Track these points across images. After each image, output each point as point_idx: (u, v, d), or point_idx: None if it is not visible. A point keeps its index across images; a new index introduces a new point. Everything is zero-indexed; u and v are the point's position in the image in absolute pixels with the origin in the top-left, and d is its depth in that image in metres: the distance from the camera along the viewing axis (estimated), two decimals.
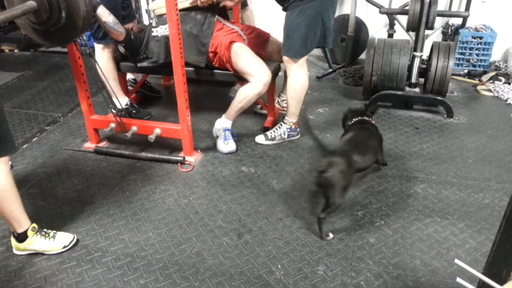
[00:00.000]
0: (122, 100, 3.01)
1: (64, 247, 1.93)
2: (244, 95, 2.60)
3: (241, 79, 2.67)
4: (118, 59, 2.88)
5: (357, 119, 2.35)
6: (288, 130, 2.76)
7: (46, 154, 2.70)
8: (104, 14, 2.48)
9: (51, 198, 2.30)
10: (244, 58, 2.56)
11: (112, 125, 2.65)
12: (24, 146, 2.78)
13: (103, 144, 2.78)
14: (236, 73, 2.64)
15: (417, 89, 3.13)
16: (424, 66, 3.27)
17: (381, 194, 2.28)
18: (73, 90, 2.69)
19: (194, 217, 2.13)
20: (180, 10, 2.70)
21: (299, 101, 2.66)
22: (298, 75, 2.55)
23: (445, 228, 2.03)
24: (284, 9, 2.45)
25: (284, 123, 2.76)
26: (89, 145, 2.76)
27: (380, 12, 3.21)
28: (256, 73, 2.54)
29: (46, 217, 2.15)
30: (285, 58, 2.52)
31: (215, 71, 2.75)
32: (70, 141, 2.84)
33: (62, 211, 2.20)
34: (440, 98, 3.03)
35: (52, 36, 1.97)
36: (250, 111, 3.11)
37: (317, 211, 2.01)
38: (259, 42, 2.85)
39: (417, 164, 2.50)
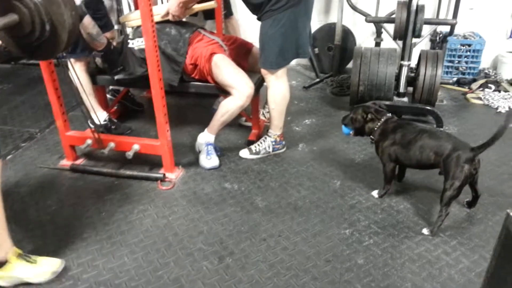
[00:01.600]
0: (100, 115, 2.89)
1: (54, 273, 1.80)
2: (226, 109, 2.50)
3: (224, 92, 2.58)
4: (93, 72, 2.77)
5: (386, 117, 2.20)
6: (273, 143, 2.66)
7: (20, 173, 2.57)
8: (89, 25, 2.39)
9: (22, 220, 2.17)
10: (225, 70, 2.46)
11: (89, 141, 2.53)
12: None
13: (80, 161, 2.66)
14: (217, 85, 2.54)
15: (405, 99, 3.05)
16: (412, 74, 3.20)
17: (369, 210, 2.19)
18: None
19: (172, 240, 2.01)
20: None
21: (281, 112, 2.57)
22: (277, 86, 2.46)
23: (437, 247, 1.94)
24: (259, 19, 2.36)
25: (269, 136, 2.67)
26: (66, 163, 2.63)
27: (366, 20, 3.14)
28: (238, 86, 2.44)
29: (15, 241, 1.98)
30: (262, 70, 2.44)
31: (197, 83, 2.65)
32: (46, 158, 2.72)
33: (33, 235, 2.07)
34: (429, 108, 2.96)
35: (36, 51, 1.84)
36: (234, 123, 3.01)
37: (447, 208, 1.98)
38: (241, 52, 2.76)
39: (407, 177, 2.41)
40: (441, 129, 2.94)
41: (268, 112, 2.91)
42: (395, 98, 3.06)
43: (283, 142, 2.71)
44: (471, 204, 2.16)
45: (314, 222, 2.11)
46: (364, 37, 4.01)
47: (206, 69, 2.51)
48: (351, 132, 2.29)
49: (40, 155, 2.76)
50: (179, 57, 2.56)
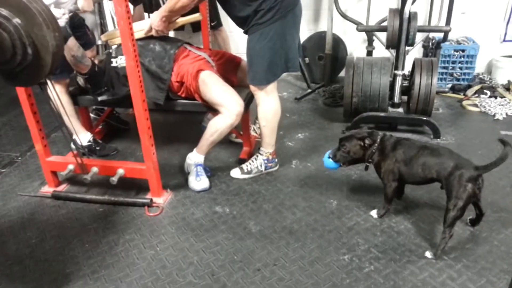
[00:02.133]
0: (83, 137, 2.77)
1: None
2: (215, 128, 2.38)
3: (212, 110, 2.46)
4: (76, 92, 2.64)
5: (380, 136, 2.07)
6: (265, 161, 2.55)
7: None
8: (74, 47, 2.27)
9: (0, 256, 2.04)
10: (213, 87, 2.35)
11: (71, 167, 2.40)
12: None
13: (62, 187, 2.52)
14: (205, 103, 2.43)
15: (400, 109, 2.95)
16: (406, 83, 3.10)
17: (368, 232, 2.07)
18: None
19: (161, 273, 1.88)
20: (137, 40, 2.51)
21: (273, 129, 2.46)
22: (268, 102, 2.35)
23: (442, 271, 1.82)
24: (245, 33, 2.26)
25: (260, 154, 2.55)
26: (47, 189, 2.50)
27: (358, 30, 3.04)
28: (227, 104, 2.33)
29: None
30: (251, 87, 2.33)
31: (184, 101, 2.53)
32: (27, 185, 2.58)
33: (11, 272, 1.94)
34: (425, 118, 2.86)
35: (18, 76, 1.70)
36: (224, 140, 2.86)
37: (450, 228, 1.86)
38: (229, 68, 2.64)
39: (406, 193, 2.30)
40: (438, 140, 2.85)
41: (259, 128, 2.81)
42: (390, 109, 2.95)
43: (276, 160, 2.59)
44: (474, 222, 2.05)
45: (311, 247, 1.99)
46: (355, 45, 3.92)
47: (193, 86, 2.40)
48: (340, 165, 2.14)
49: (20, 182, 2.62)
50: (164, 74, 2.44)
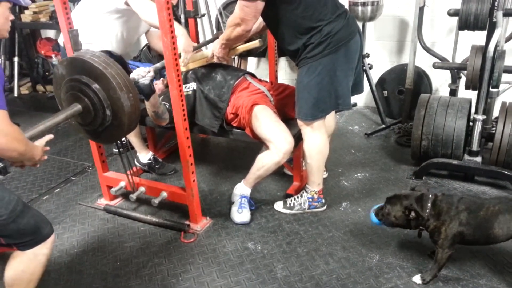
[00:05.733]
0: (144, 155, 2.92)
1: None
2: (262, 163, 2.32)
3: (263, 142, 2.41)
4: (143, 114, 2.77)
5: (431, 199, 1.81)
6: (310, 199, 2.41)
7: (60, 208, 2.65)
8: (156, 104, 2.33)
9: None
10: (264, 122, 2.29)
11: (122, 183, 2.52)
12: (44, 198, 2.77)
13: (115, 202, 2.66)
14: (255, 137, 2.38)
15: (478, 158, 2.58)
16: (493, 130, 2.70)
17: None
18: None
19: None
20: (200, 67, 2.57)
21: (318, 168, 2.32)
22: (313, 139, 2.22)
23: None
24: (296, 65, 2.18)
25: (306, 191, 2.42)
26: (102, 202, 2.66)
27: (434, 67, 2.75)
28: (276, 141, 2.25)
29: None
30: (298, 121, 2.23)
31: (237, 130, 2.52)
32: (88, 195, 2.77)
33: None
34: (507, 173, 2.45)
35: (101, 135, 1.89)
36: (278, 172, 2.80)
37: None
38: (290, 102, 2.54)
39: (460, 256, 1.98)
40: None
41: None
42: (466, 157, 2.60)
43: (322, 200, 2.44)
44: None
45: None
46: (442, 81, 3.56)
47: (246, 119, 2.37)
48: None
49: (84, 191, 2.83)
50: (221, 103, 2.46)
